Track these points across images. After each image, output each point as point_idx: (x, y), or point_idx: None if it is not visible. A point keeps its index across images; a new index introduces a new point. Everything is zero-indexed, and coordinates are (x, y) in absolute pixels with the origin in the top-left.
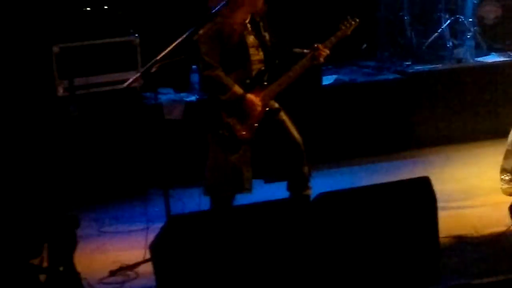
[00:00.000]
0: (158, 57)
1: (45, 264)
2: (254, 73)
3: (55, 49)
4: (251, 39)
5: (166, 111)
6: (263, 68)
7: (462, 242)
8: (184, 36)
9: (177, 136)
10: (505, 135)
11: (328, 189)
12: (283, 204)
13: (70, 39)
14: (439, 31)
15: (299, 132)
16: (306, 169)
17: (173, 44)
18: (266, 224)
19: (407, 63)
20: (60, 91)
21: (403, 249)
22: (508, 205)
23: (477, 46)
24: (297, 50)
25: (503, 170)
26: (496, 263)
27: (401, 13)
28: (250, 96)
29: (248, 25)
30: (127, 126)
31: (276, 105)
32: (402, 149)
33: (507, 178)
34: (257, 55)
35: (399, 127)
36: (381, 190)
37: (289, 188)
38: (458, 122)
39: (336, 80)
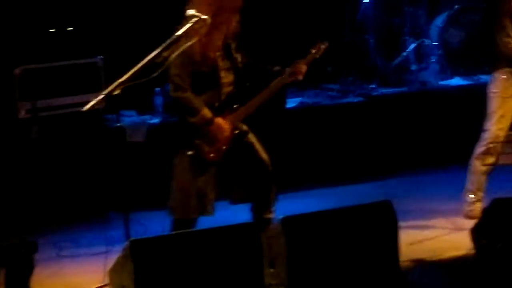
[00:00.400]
0: (121, 79)
1: None
2: (223, 96)
3: (17, 70)
4: (221, 62)
5: (129, 133)
6: (233, 90)
7: (423, 266)
8: (148, 58)
9: (139, 158)
10: (468, 159)
11: (291, 213)
12: (245, 227)
13: (33, 61)
14: (404, 54)
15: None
16: (273, 191)
17: (137, 66)
18: (227, 248)
19: (372, 86)
20: (22, 113)
21: (364, 272)
22: (469, 228)
23: (442, 70)
24: (277, 68)
25: (467, 191)
26: (457, 287)
27: (366, 36)
28: (218, 120)
29: (219, 48)
30: (89, 148)
31: (245, 127)
32: (365, 172)
33: (471, 200)
34: (227, 77)
35: (362, 150)
36: (343, 214)
37: (252, 210)
38: (422, 146)
39: (300, 103)
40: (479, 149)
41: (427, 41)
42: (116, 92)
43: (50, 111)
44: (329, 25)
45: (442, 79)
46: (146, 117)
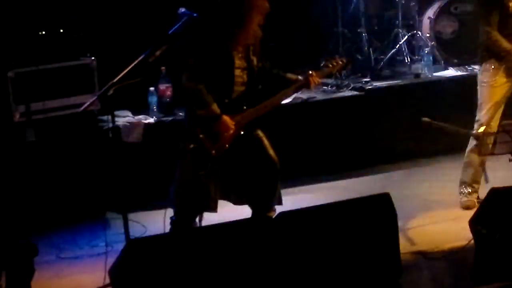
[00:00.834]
0: (115, 80)
1: None
2: (234, 94)
3: (11, 74)
4: (238, 60)
5: (125, 134)
6: (244, 91)
7: (423, 258)
8: (141, 58)
9: (135, 158)
10: (464, 149)
11: (289, 208)
12: (244, 224)
13: (26, 64)
14: (397, 47)
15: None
16: (278, 189)
17: (130, 66)
18: (226, 246)
19: (366, 79)
20: (17, 116)
21: (364, 265)
22: (468, 219)
23: (435, 61)
24: (290, 76)
25: (462, 183)
26: (457, 278)
27: (359, 30)
28: (226, 117)
29: (239, 47)
30: (85, 150)
31: (257, 129)
32: (362, 166)
33: (466, 191)
34: (241, 77)
35: (358, 144)
36: (342, 208)
37: (255, 209)
38: (417, 137)
39: (294, 98)
40: (473, 141)
41: (419, 33)
42: (110, 93)
43: (44, 113)
44: (321, 18)
45: (436, 71)
46: (141, 117)
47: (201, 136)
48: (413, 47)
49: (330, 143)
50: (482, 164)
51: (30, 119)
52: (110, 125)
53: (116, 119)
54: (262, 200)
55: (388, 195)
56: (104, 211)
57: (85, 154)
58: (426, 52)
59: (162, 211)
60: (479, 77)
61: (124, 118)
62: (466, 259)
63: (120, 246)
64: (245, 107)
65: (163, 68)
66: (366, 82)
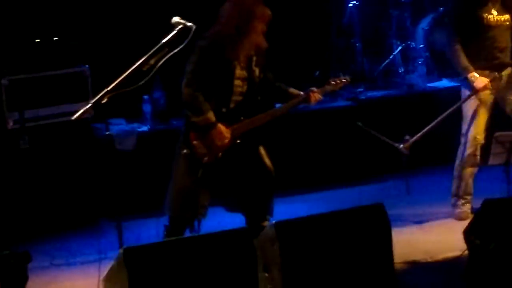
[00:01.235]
0: (109, 88)
1: None
2: (232, 104)
3: (4, 81)
4: (239, 71)
5: (118, 142)
6: (242, 101)
7: (417, 268)
8: (135, 66)
9: (129, 166)
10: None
11: (283, 218)
12: (239, 233)
13: (20, 71)
14: (390, 57)
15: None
16: (272, 199)
17: (124, 74)
18: (220, 255)
19: (360, 89)
20: (10, 123)
21: (358, 275)
22: (461, 229)
23: (429, 72)
24: (292, 90)
25: (454, 195)
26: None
27: (353, 40)
28: (220, 126)
29: (242, 57)
30: (78, 157)
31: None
32: (355, 176)
33: (459, 202)
34: (240, 87)
35: (352, 154)
36: (336, 218)
37: (248, 217)
38: (412, 148)
39: None
40: (461, 154)
41: (413, 44)
42: (104, 101)
43: (38, 121)
44: (315, 29)
45: (430, 81)
46: (135, 125)
47: (194, 142)
48: (407, 58)
49: (324, 152)
50: (473, 176)
51: (24, 127)
52: (104, 133)
53: (110, 127)
54: (257, 209)
55: (382, 205)
56: (97, 219)
57: (78, 161)
58: (419, 62)
59: (155, 219)
60: (462, 91)
61: (118, 126)
62: (460, 269)
63: (113, 254)
64: (242, 118)
65: (157, 76)
66: (360, 92)
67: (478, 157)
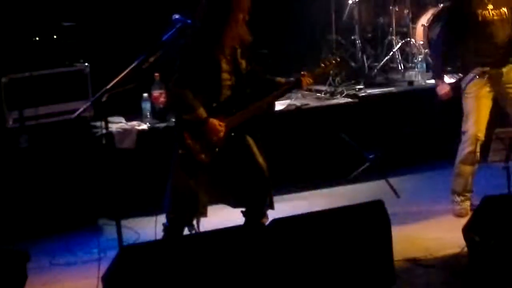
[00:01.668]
0: (109, 86)
1: None
2: (222, 98)
3: (4, 79)
4: (225, 64)
5: (118, 140)
6: (232, 94)
7: (417, 265)
8: (134, 64)
9: (129, 165)
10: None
11: (282, 215)
12: (237, 231)
13: (19, 70)
14: (390, 54)
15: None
16: (268, 196)
17: (124, 73)
18: (219, 253)
19: (359, 86)
20: (10, 122)
21: (357, 273)
22: (461, 226)
23: (428, 69)
24: (279, 79)
25: (454, 192)
26: (451, 285)
27: (352, 37)
28: (213, 121)
29: (226, 50)
30: (78, 156)
31: (246, 136)
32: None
33: (458, 199)
34: (229, 80)
35: (352, 151)
36: (335, 215)
37: (247, 215)
38: (412, 145)
39: (288, 105)
40: (462, 151)
41: (413, 40)
42: (103, 99)
43: (37, 119)
44: (315, 26)
45: (429, 78)
46: (135, 123)
47: (189, 141)
48: (407, 54)
49: (324, 149)
50: (473, 173)
51: (23, 125)
52: (104, 131)
53: (110, 125)
54: (253, 207)
55: (382, 202)
56: (96, 218)
57: (78, 160)
58: (419, 59)
59: (154, 218)
60: (463, 88)
61: (118, 124)
62: (460, 266)
63: (112, 253)
64: (234, 110)
65: (156, 74)
66: (360, 89)
67: (478, 154)
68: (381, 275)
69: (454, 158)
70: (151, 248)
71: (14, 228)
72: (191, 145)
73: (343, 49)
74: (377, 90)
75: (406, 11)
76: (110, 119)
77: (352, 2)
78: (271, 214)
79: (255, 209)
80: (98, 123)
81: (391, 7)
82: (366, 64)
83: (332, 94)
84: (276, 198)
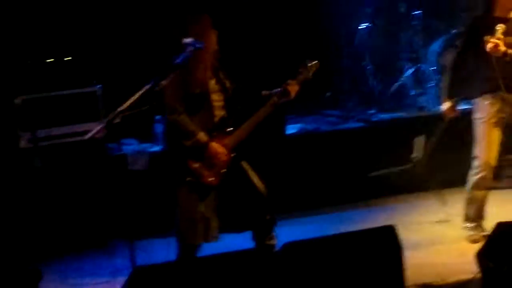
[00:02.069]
0: (122, 108)
1: None
2: (216, 118)
3: (17, 101)
4: (212, 84)
5: (130, 161)
6: (225, 114)
7: None
8: (147, 86)
9: (141, 186)
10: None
11: (294, 239)
12: (248, 254)
13: (33, 91)
14: (401, 79)
15: (264, 182)
16: (269, 217)
17: (136, 95)
18: (230, 276)
19: (371, 111)
20: (23, 143)
21: None
22: (473, 252)
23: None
24: (265, 92)
25: (466, 218)
26: None
27: (364, 63)
28: (214, 144)
29: (208, 72)
30: (91, 177)
31: (241, 162)
32: (367, 197)
33: (471, 225)
34: (219, 101)
35: (364, 175)
36: (347, 240)
37: (253, 238)
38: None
39: (300, 129)
40: (473, 177)
41: (424, 66)
42: (116, 121)
43: (50, 140)
44: (326, 51)
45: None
46: (147, 145)
47: (194, 166)
48: (418, 80)
49: (335, 174)
50: (485, 199)
51: (37, 146)
52: (116, 153)
53: (122, 147)
54: (258, 229)
55: (393, 227)
56: (110, 239)
57: (91, 181)
58: (431, 85)
59: (167, 239)
60: (475, 113)
61: (130, 146)
62: None
63: (124, 274)
64: (229, 129)
65: None
66: (372, 114)
67: (491, 180)
68: None
69: (464, 183)
70: (163, 269)
71: (27, 248)
72: (198, 170)
73: (354, 75)
74: (388, 115)
75: (417, 37)
76: (122, 141)
77: (363, 28)
78: (280, 238)
79: (260, 230)
80: (111, 145)
81: (402, 33)
82: (377, 90)
83: (344, 119)
84: (285, 222)
